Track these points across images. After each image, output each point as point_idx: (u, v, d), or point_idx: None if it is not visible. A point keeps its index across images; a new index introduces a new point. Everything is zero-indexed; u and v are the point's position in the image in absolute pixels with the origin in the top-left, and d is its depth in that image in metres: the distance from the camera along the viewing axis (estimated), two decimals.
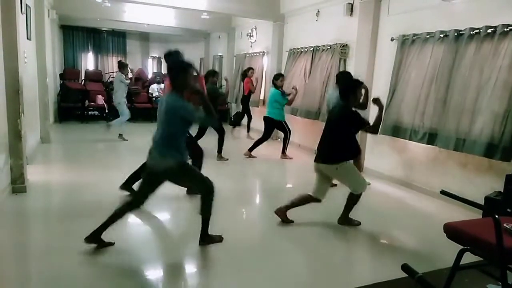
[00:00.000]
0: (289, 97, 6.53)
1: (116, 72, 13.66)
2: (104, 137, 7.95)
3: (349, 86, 3.63)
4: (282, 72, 8.22)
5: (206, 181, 3.05)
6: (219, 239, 3.20)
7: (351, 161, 3.71)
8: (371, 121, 3.76)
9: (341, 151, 3.56)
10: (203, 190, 3.06)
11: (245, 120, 9.08)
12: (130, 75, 7.92)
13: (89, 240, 2.94)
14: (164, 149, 2.92)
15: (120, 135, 7.64)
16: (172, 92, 2.96)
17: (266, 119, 6.66)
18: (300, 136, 7.71)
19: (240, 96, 9.16)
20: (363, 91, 4.04)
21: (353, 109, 3.59)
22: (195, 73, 3.06)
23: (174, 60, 3.04)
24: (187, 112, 2.85)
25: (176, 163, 2.92)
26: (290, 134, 6.71)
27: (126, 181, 4.22)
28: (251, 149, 6.70)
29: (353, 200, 3.67)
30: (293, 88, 6.67)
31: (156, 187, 3.03)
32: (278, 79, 6.53)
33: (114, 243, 3.02)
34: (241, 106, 9.01)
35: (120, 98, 7.53)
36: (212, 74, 6.03)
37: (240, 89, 9.29)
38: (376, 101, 3.76)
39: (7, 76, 3.98)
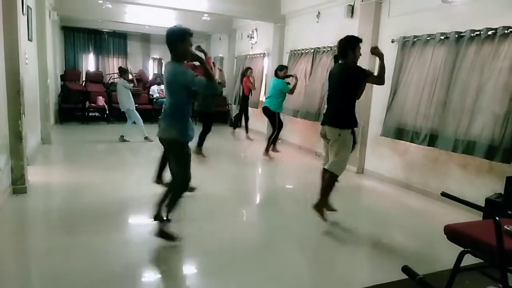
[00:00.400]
0: (291, 86, 6.53)
1: (116, 73, 13.72)
2: (104, 138, 7.98)
3: (348, 41, 3.54)
4: None
5: (186, 174, 2.98)
6: (174, 237, 3.05)
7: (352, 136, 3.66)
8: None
9: (346, 117, 3.53)
10: (177, 180, 3.00)
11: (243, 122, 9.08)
12: (130, 76, 7.91)
13: (156, 218, 3.11)
14: (169, 120, 2.95)
15: (121, 136, 7.64)
16: (172, 61, 2.92)
17: (264, 109, 6.67)
18: (300, 138, 7.71)
19: (238, 97, 9.19)
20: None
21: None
22: (203, 54, 3.03)
23: (171, 30, 2.98)
24: (187, 78, 2.79)
25: (176, 137, 2.93)
26: (278, 132, 6.72)
27: (158, 174, 4.24)
28: (267, 148, 6.68)
29: (332, 181, 3.57)
30: (293, 76, 6.71)
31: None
32: (282, 70, 6.53)
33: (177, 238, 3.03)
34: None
35: (127, 105, 7.49)
36: None
37: (241, 90, 9.30)
38: (375, 49, 3.66)
39: (8, 77, 3.98)
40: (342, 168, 3.60)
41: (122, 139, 7.58)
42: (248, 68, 8.62)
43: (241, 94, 8.94)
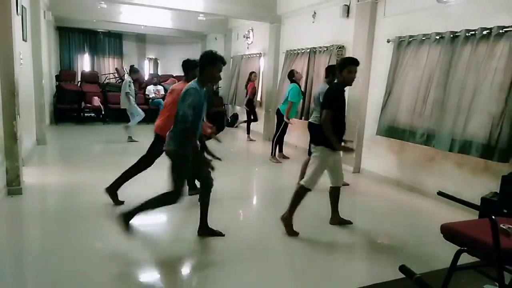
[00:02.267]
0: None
1: (111, 73, 13.66)
2: (100, 138, 7.94)
3: (339, 64, 3.50)
4: (279, 74, 8.25)
5: (180, 186, 2.97)
6: (131, 231, 3.04)
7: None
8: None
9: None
10: (172, 189, 2.97)
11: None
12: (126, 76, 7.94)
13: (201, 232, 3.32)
14: (172, 132, 3.00)
15: (129, 137, 7.69)
16: (196, 81, 2.98)
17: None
18: (297, 137, 7.71)
19: (234, 97, 9.15)
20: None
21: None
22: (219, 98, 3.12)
23: (205, 52, 3.06)
24: (185, 101, 2.84)
25: (174, 149, 2.96)
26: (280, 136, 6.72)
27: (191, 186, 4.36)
28: (280, 150, 6.75)
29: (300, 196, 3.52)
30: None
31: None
32: (298, 73, 6.51)
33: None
34: (237, 107, 9.01)
35: (123, 104, 7.52)
36: None
37: (237, 90, 9.28)
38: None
39: (2, 78, 3.96)
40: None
41: (131, 139, 7.62)
42: (252, 73, 8.61)
43: (246, 97, 8.90)
